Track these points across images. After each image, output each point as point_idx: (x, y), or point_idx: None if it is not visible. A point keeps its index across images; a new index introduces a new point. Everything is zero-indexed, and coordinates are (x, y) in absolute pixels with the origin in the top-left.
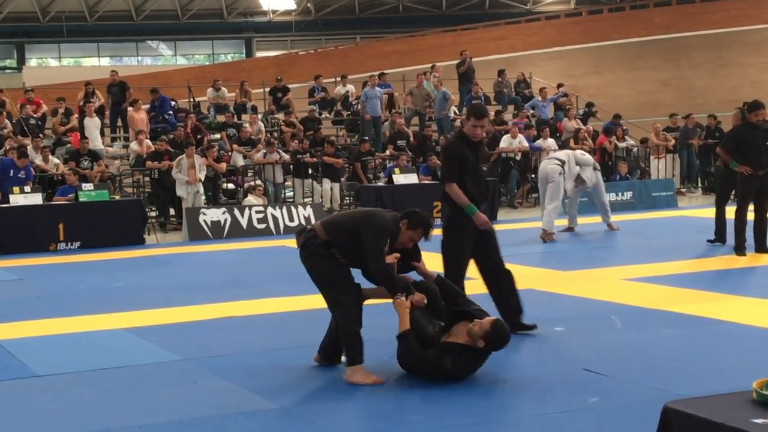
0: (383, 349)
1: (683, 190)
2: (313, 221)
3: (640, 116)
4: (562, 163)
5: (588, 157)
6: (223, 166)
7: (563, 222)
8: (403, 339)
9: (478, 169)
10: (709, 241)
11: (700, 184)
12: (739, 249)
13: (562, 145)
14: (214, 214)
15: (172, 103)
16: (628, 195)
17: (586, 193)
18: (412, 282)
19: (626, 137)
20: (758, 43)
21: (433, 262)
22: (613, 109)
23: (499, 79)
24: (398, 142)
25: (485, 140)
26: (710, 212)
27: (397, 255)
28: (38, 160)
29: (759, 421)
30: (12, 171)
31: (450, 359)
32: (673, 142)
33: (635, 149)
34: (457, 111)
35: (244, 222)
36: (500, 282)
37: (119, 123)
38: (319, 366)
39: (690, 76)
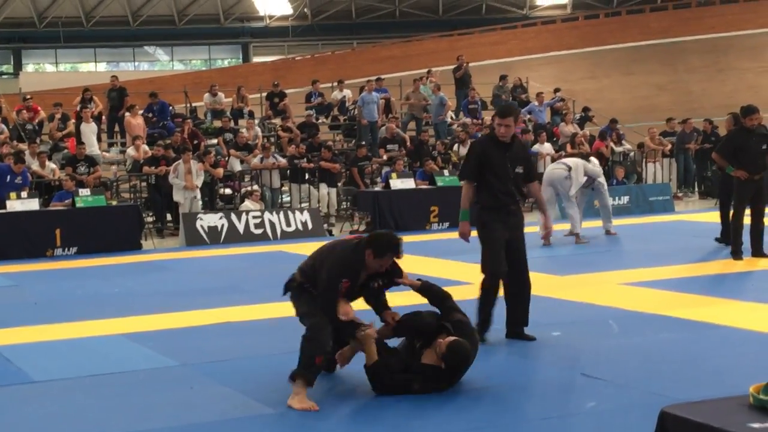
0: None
1: (680, 194)
2: (310, 226)
3: (637, 121)
4: (569, 169)
5: (599, 169)
6: (220, 171)
7: (565, 226)
8: (370, 371)
9: (507, 170)
10: (717, 239)
11: (696, 189)
12: (736, 253)
13: (559, 149)
14: (211, 220)
15: (170, 108)
16: (624, 199)
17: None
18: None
19: (623, 142)
20: (755, 48)
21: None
22: (609, 114)
23: (500, 84)
24: (388, 146)
25: (523, 142)
26: (707, 216)
27: (351, 314)
28: (35, 166)
29: (756, 425)
30: (9, 177)
31: (418, 383)
32: (669, 146)
33: (632, 154)
34: (453, 116)
35: (241, 227)
36: (515, 289)
37: (116, 128)
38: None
39: (686, 80)
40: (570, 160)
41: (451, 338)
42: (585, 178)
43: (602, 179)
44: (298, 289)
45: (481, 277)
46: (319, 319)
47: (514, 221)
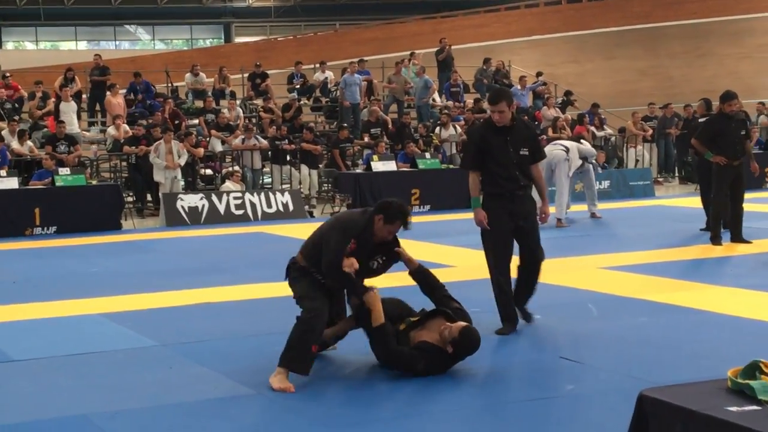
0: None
1: (660, 179)
2: (291, 208)
3: (618, 105)
4: (567, 150)
5: (593, 149)
6: (201, 150)
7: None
8: (379, 332)
9: (509, 155)
10: (701, 230)
11: (677, 174)
12: (715, 239)
13: (541, 134)
14: (192, 200)
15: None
16: (605, 184)
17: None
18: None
19: (604, 126)
20: (735, 34)
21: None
22: (591, 98)
23: (483, 68)
24: (372, 130)
25: (527, 122)
26: (687, 201)
27: (355, 265)
28: (14, 144)
29: (733, 408)
30: None
31: (423, 362)
32: (650, 131)
33: (613, 138)
34: (437, 99)
35: (221, 208)
36: (523, 272)
37: (97, 108)
38: None
39: (667, 65)
40: (567, 142)
41: (463, 324)
42: (579, 161)
43: (594, 160)
44: (300, 271)
45: (465, 261)
46: (318, 303)
47: (520, 208)
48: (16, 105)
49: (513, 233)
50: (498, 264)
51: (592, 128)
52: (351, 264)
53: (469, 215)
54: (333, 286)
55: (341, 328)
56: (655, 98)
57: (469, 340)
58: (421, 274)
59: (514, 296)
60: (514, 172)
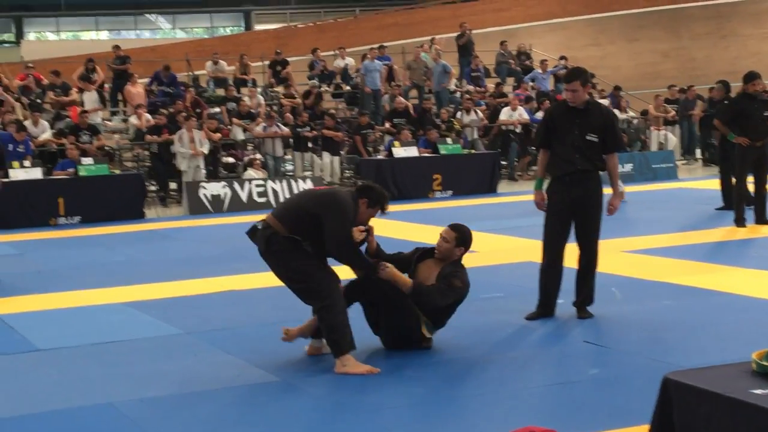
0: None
1: (683, 162)
2: None
3: (640, 88)
4: None
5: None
6: (218, 135)
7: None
8: (417, 291)
9: (573, 136)
10: (717, 209)
11: (700, 156)
12: (739, 221)
13: None
14: (214, 188)
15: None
16: (628, 167)
17: None
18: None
19: (627, 109)
20: (758, 14)
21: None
22: (613, 81)
23: (501, 51)
24: (395, 120)
25: (606, 109)
26: (710, 183)
27: (362, 228)
28: (35, 132)
29: (758, 391)
30: (11, 145)
31: (457, 279)
32: (673, 113)
33: (635, 121)
34: (457, 83)
35: (244, 196)
36: (580, 266)
37: (120, 97)
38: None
39: (690, 47)
40: None
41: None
42: None
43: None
44: (290, 243)
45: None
46: (331, 282)
47: (578, 192)
48: (39, 97)
49: (570, 221)
50: (544, 250)
51: (615, 111)
52: (360, 231)
53: (490, 200)
54: (341, 262)
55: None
56: (678, 80)
57: (460, 230)
58: (379, 255)
59: (575, 289)
60: (574, 156)
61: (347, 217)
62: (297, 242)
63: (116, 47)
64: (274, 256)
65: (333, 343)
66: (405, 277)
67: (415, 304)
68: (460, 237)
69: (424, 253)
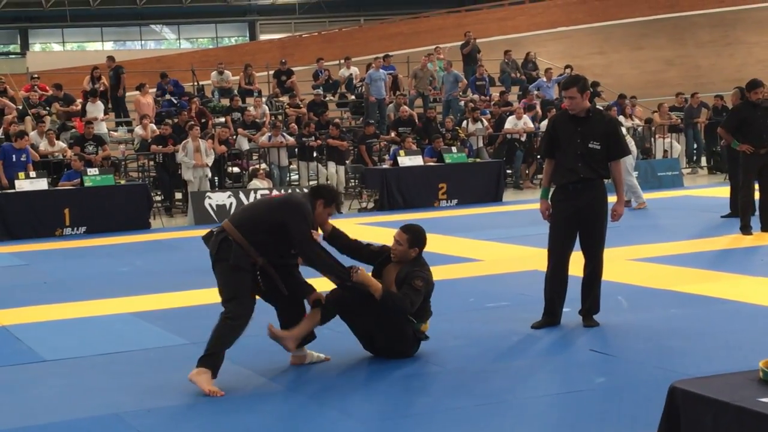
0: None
1: (688, 170)
2: None
3: (645, 96)
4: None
5: (630, 140)
6: (223, 147)
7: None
8: (387, 299)
9: (575, 145)
10: (722, 216)
11: (705, 164)
12: (745, 228)
13: None
14: (220, 198)
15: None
16: (633, 175)
17: None
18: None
19: (632, 117)
20: (763, 22)
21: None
22: (618, 89)
23: (505, 60)
24: (400, 129)
25: (609, 117)
26: (716, 191)
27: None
28: (43, 145)
29: (766, 400)
30: (14, 156)
31: (417, 279)
32: (678, 121)
33: (640, 129)
34: (462, 93)
35: None
36: (584, 274)
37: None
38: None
39: (695, 55)
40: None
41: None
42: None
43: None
44: (235, 257)
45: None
46: (247, 309)
47: (582, 201)
48: (44, 107)
49: (574, 229)
50: (549, 259)
51: (620, 118)
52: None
53: (496, 209)
54: (312, 267)
55: (306, 328)
56: (683, 88)
57: (412, 231)
58: (337, 238)
59: (581, 298)
60: (576, 164)
61: (309, 219)
62: (243, 258)
63: (110, 58)
64: (219, 264)
65: (209, 353)
66: (377, 283)
67: (386, 312)
68: (412, 238)
69: (385, 258)
